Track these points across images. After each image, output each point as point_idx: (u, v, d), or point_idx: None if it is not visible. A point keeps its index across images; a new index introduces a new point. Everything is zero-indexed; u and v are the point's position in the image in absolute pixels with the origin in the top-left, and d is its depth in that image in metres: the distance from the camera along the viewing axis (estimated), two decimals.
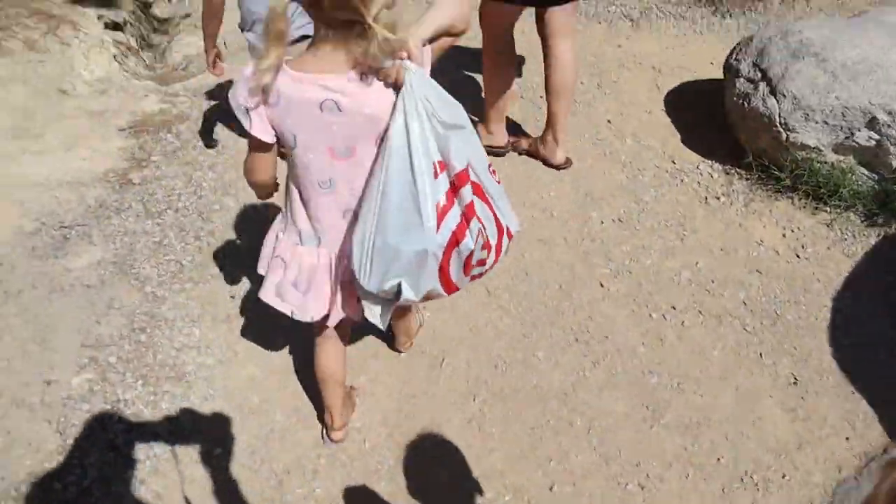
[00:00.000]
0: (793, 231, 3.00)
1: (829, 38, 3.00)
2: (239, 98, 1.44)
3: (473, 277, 1.58)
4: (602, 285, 2.75)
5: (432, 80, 1.42)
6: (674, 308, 2.69)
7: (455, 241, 1.42)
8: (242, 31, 2.90)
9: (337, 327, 1.89)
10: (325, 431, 2.24)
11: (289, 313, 1.75)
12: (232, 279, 2.76)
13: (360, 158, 1.49)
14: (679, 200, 3.12)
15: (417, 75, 1.36)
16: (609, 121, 3.56)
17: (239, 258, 2.84)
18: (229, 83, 4.13)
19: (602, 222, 3.01)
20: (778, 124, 2.92)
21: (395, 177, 1.38)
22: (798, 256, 2.90)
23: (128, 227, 2.99)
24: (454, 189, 1.42)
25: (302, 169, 1.54)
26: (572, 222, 3.01)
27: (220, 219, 3.02)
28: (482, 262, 1.54)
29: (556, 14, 2.82)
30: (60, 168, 3.28)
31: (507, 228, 1.59)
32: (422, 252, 1.41)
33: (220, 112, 3.79)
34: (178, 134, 3.61)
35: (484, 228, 1.49)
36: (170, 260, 2.85)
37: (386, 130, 1.40)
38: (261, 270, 1.81)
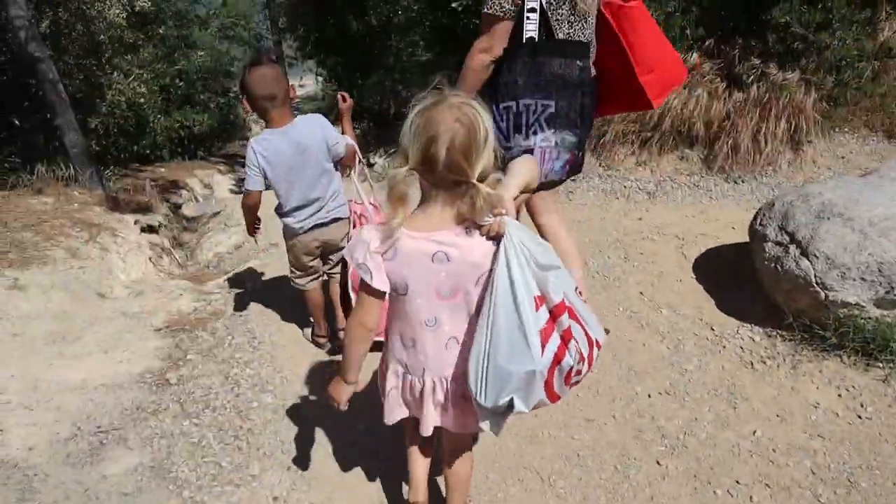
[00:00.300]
0: (848, 390, 2.89)
1: (850, 197, 3.06)
2: (358, 256, 1.63)
3: (572, 385, 1.76)
4: (659, 463, 2.62)
5: (526, 228, 1.62)
6: (738, 482, 2.53)
7: (557, 360, 1.64)
8: (279, 215, 3.08)
9: (429, 439, 2.06)
10: None
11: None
12: (274, 480, 2.65)
13: (462, 298, 1.69)
14: (724, 368, 3.05)
15: (515, 227, 1.59)
16: (641, 292, 3.58)
17: (279, 456, 2.75)
18: (258, 281, 4.27)
19: (649, 396, 2.93)
20: (815, 284, 2.91)
21: (502, 312, 1.60)
22: (859, 417, 2.77)
23: (165, 428, 2.93)
24: (553, 318, 1.63)
25: (411, 311, 1.73)
26: (619, 398, 2.92)
27: (259, 416, 2.96)
28: (579, 373, 1.73)
29: (539, 195, 2.79)
30: (97, 371, 3.28)
31: (597, 340, 1.77)
32: (530, 373, 1.62)
33: (253, 308, 3.84)
34: (213, 332, 3.64)
35: (577, 343, 1.69)
36: (208, 462, 2.75)
37: (489, 273, 1.62)
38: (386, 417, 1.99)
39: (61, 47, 7.06)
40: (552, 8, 2.44)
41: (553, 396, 1.71)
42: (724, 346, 3.14)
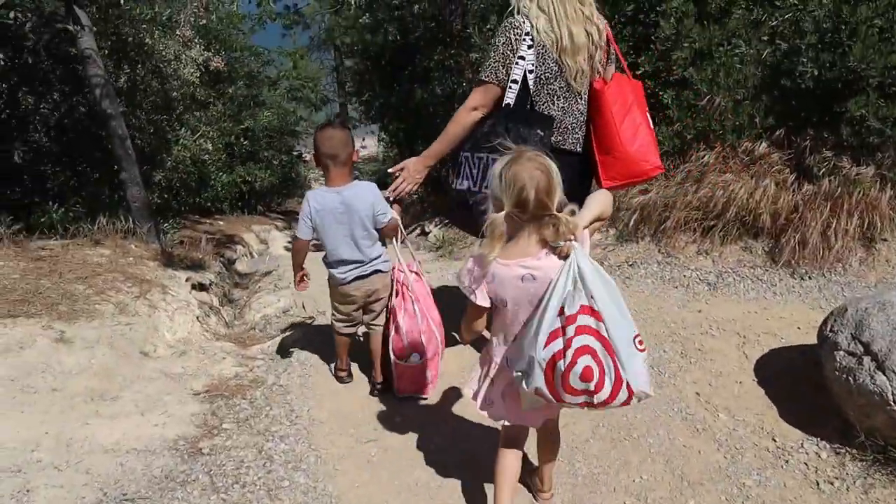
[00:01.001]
0: None
1: None
2: (465, 281, 2.15)
3: (582, 405, 2.07)
4: None
5: (588, 257, 2.03)
6: None
7: (553, 360, 2.01)
8: (327, 265, 3.37)
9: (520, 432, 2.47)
10: None
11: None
12: None
13: None
14: (787, 485, 2.81)
15: (579, 251, 2.01)
16: (698, 393, 3.37)
17: None
18: (302, 351, 4.18)
19: None
20: (892, 403, 2.68)
21: (542, 314, 2.02)
22: None
23: (191, 501, 2.83)
24: (563, 326, 1.98)
25: (511, 318, 2.17)
26: None
27: (289, 497, 2.83)
28: (587, 392, 2.02)
29: None
30: (132, 433, 3.22)
31: (628, 383, 2.01)
32: (531, 358, 2.04)
33: (294, 379, 3.76)
34: (252, 400, 3.57)
35: (594, 366, 1.98)
36: None
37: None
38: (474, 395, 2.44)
39: (135, 103, 7.31)
40: (541, 83, 2.83)
41: (554, 393, 2.05)
42: (787, 461, 2.91)
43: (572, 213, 2.00)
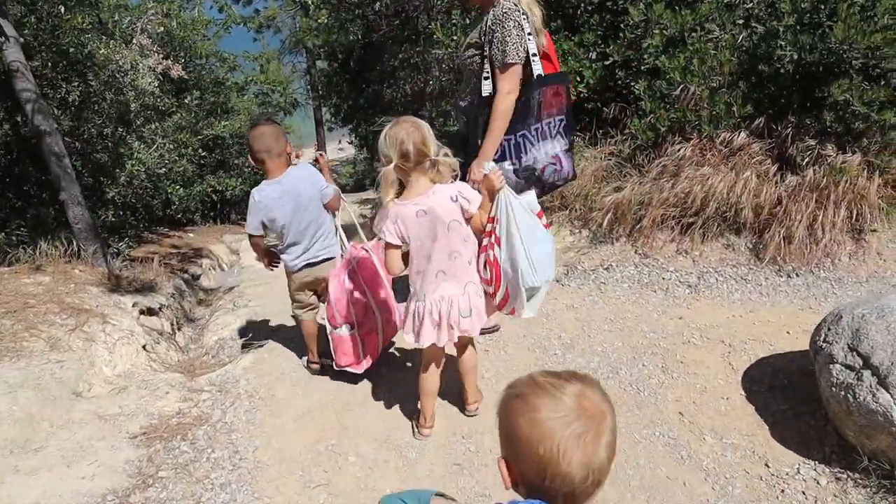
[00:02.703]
0: None
1: None
2: (379, 226, 2.53)
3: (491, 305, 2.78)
4: None
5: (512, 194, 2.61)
6: None
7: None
8: (278, 252, 3.55)
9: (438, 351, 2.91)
10: (415, 428, 3.11)
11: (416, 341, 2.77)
12: None
13: (441, 239, 2.57)
14: None
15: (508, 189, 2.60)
16: (681, 413, 3.07)
17: None
18: (251, 380, 3.80)
19: None
20: None
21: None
22: None
23: None
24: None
25: (416, 252, 2.62)
26: None
27: None
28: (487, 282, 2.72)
29: None
30: (54, 490, 2.88)
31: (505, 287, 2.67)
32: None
33: (240, 414, 3.43)
34: (193, 441, 3.23)
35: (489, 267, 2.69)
36: None
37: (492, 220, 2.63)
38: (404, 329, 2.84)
39: (84, 117, 6.93)
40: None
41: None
42: (783, 490, 2.61)
43: (446, 155, 2.49)
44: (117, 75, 8.01)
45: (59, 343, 3.77)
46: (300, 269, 3.49)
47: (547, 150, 3.21)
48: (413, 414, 3.23)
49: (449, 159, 2.47)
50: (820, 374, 2.77)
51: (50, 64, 6.43)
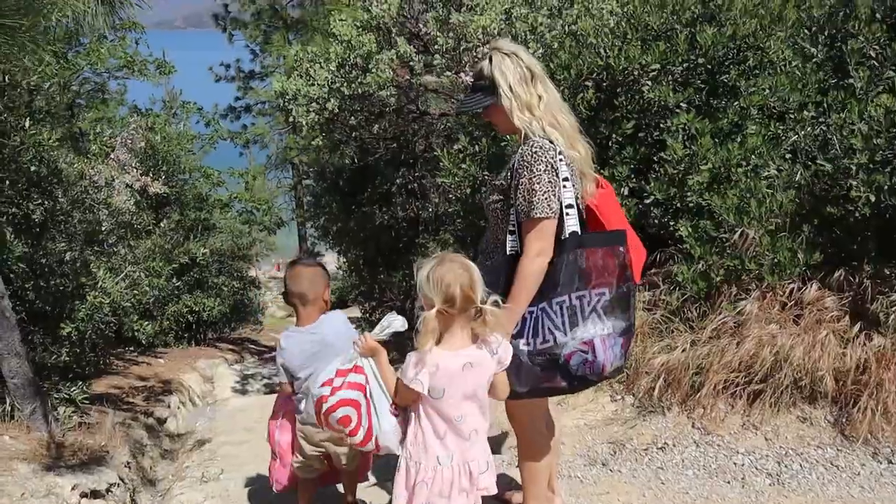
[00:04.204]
0: None
1: None
2: (409, 373, 2.26)
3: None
4: None
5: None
6: None
7: (320, 402, 2.46)
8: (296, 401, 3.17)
9: None
10: None
11: None
12: None
13: (478, 397, 2.37)
14: None
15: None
16: None
17: None
18: None
19: None
20: None
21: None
22: None
23: None
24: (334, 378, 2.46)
25: (435, 411, 2.33)
26: None
27: None
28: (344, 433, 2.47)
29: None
30: None
31: (376, 437, 2.44)
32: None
33: None
34: None
35: (353, 416, 2.41)
36: None
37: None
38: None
39: (45, 237, 6.18)
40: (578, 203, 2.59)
41: (319, 422, 2.59)
42: None
43: (495, 303, 2.23)
44: (90, 191, 7.34)
45: None
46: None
47: (577, 333, 2.48)
48: None
49: (497, 310, 2.23)
50: None
51: (8, 182, 5.75)
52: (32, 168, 5.59)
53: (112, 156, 9.25)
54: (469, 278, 2.20)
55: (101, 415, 5.53)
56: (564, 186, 2.49)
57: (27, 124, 5.53)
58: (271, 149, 21.71)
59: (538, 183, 2.44)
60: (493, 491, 2.44)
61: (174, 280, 9.45)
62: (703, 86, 4.76)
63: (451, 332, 2.26)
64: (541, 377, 2.53)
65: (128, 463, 4.64)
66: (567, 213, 2.51)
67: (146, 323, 6.85)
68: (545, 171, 2.45)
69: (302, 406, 3.09)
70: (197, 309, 11.79)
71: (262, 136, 20.36)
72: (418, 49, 6.19)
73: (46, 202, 6.24)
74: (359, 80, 5.88)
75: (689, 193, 4.45)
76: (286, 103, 6.28)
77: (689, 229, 4.41)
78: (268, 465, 3.42)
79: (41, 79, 6.11)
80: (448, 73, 6.07)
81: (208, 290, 12.32)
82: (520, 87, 2.54)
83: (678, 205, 4.54)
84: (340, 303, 18.15)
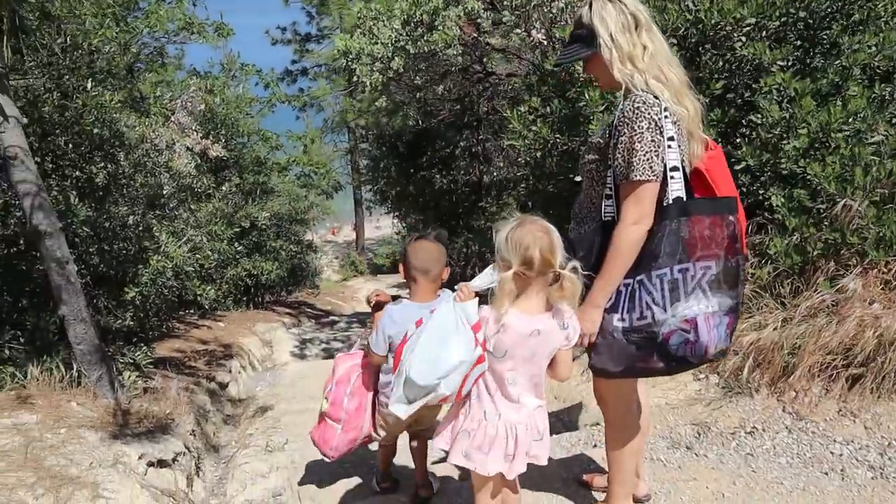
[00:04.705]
0: None
1: None
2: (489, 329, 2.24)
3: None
4: None
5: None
6: None
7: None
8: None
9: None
10: None
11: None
12: None
13: (538, 363, 2.30)
14: None
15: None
16: None
17: None
18: None
19: None
20: None
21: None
22: None
23: None
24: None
25: (499, 370, 2.29)
26: None
27: None
28: None
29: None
30: None
31: None
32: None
33: None
34: None
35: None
36: None
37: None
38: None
39: (108, 201, 6.14)
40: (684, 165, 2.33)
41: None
42: None
43: (574, 269, 2.15)
44: (152, 154, 7.30)
45: None
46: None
47: (678, 310, 2.25)
48: None
49: (575, 276, 2.15)
50: None
51: (72, 145, 5.69)
52: (95, 130, 5.51)
53: (172, 119, 9.24)
54: (549, 242, 2.14)
55: (165, 380, 5.53)
56: (669, 146, 2.22)
57: (89, 85, 5.44)
58: (328, 112, 21.60)
59: (640, 142, 2.19)
60: (543, 462, 2.37)
61: (235, 244, 9.42)
62: (800, 42, 4.37)
63: (526, 294, 2.22)
64: (636, 356, 2.31)
65: (193, 431, 4.60)
66: (671, 177, 2.25)
67: (208, 287, 6.82)
68: (648, 128, 2.19)
69: (389, 379, 2.87)
70: (255, 272, 11.87)
71: (318, 99, 20.22)
72: (486, 5, 5.88)
73: (109, 165, 6.18)
74: (424, 37, 5.61)
75: (783, 160, 4.11)
76: (349, 62, 6.06)
77: (783, 199, 4.09)
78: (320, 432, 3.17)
79: (101, 42, 6.02)
80: (517, 31, 5.76)
81: (266, 254, 12.38)
82: (622, 37, 2.29)
83: (770, 172, 4.21)
84: (395, 268, 18.12)
